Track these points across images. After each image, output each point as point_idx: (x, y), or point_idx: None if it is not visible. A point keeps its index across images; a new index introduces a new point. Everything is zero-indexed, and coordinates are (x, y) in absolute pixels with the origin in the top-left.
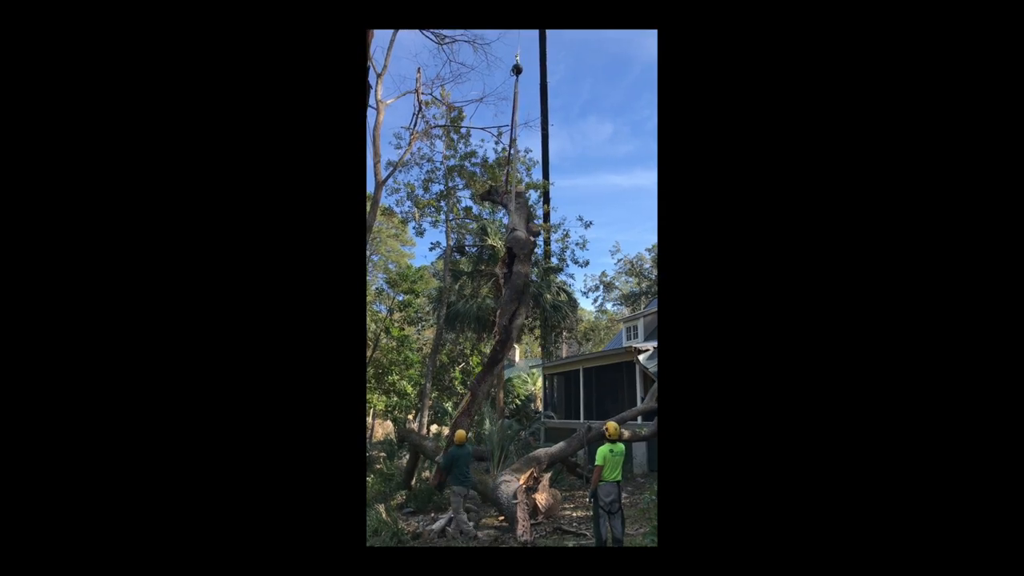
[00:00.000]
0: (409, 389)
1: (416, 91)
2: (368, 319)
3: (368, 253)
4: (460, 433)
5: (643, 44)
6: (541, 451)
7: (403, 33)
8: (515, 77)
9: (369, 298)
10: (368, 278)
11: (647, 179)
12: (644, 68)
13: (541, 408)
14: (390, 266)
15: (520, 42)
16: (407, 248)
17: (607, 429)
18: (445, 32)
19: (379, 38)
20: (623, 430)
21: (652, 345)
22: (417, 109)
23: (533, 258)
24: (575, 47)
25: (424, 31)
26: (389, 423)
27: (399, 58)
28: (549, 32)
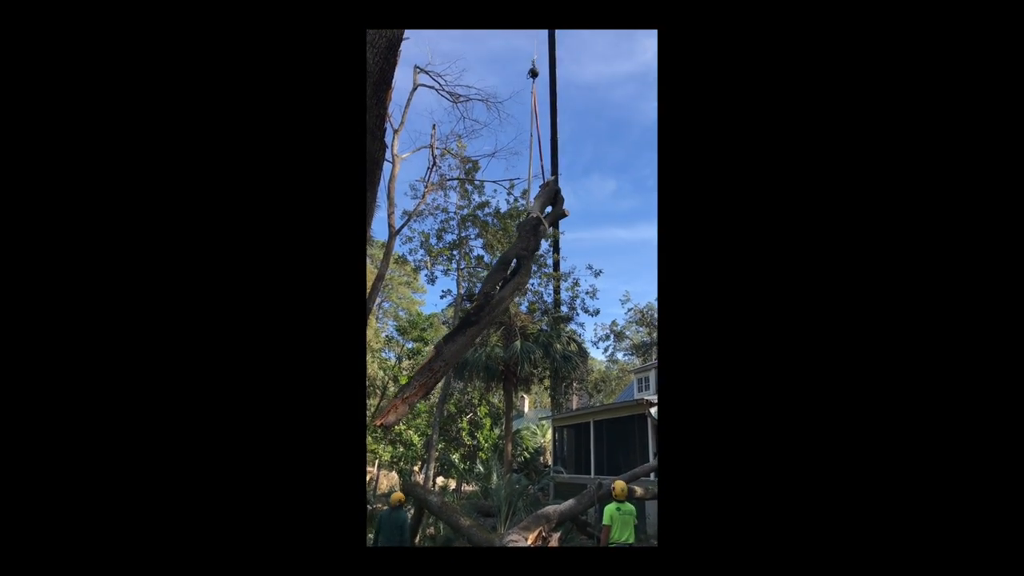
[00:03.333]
0: (415, 440)
1: (431, 146)
2: (376, 366)
3: (379, 300)
4: (395, 495)
5: (641, 108)
6: (550, 508)
7: (420, 92)
8: (532, 80)
9: (379, 345)
10: (379, 324)
11: (650, 233)
12: (643, 130)
13: (551, 462)
14: (400, 313)
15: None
16: (418, 295)
17: (614, 489)
18: (460, 91)
19: (397, 95)
20: (635, 487)
21: None
22: (432, 163)
23: (543, 305)
24: (577, 112)
25: (440, 90)
26: (395, 474)
27: (416, 115)
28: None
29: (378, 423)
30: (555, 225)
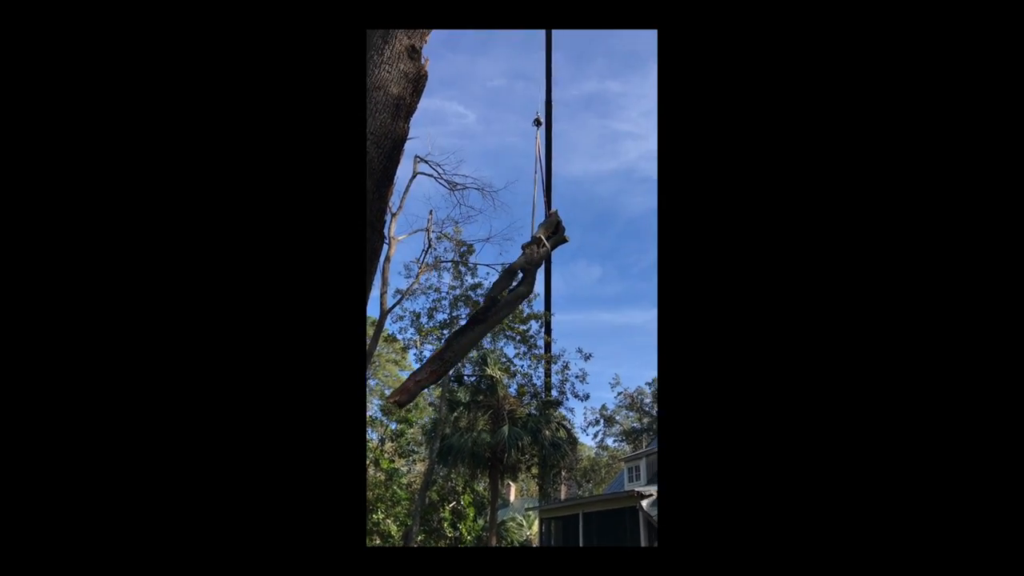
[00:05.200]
0: (394, 531)
1: (427, 229)
2: None
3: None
4: None
5: (624, 202)
6: None
7: (419, 180)
8: (536, 129)
9: None
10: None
11: (636, 317)
12: (626, 222)
13: None
14: (387, 391)
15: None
16: (405, 373)
17: None
18: (457, 179)
19: (398, 183)
20: None
21: (655, 490)
22: (427, 245)
23: (532, 388)
24: (564, 202)
25: (438, 178)
26: None
27: (414, 200)
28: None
29: (391, 400)
30: (553, 250)
